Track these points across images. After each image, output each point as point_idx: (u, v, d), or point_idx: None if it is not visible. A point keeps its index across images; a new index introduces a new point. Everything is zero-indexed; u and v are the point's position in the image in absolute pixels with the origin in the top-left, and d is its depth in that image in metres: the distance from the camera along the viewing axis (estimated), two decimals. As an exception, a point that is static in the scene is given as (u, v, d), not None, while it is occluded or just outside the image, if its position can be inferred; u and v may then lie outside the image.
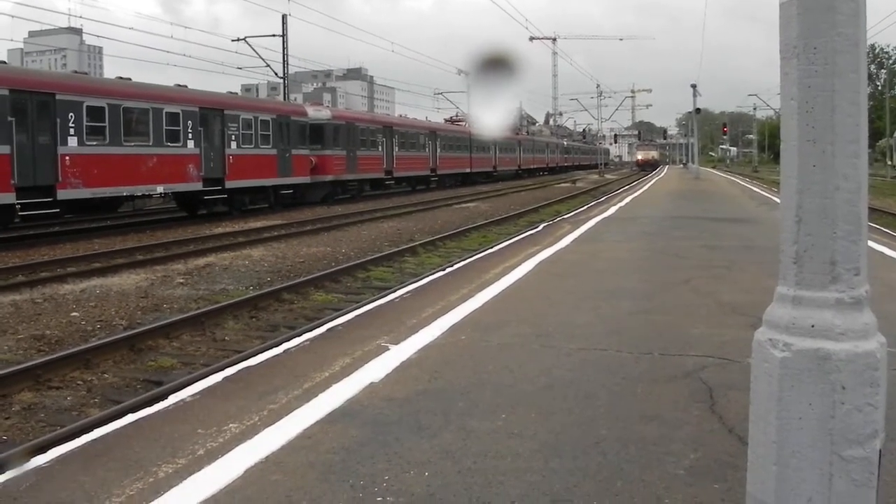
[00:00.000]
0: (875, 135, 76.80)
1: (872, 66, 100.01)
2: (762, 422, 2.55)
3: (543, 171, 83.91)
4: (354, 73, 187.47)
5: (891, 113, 73.80)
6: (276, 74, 46.72)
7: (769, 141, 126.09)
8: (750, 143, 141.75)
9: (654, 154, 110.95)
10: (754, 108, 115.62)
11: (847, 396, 2.40)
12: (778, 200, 2.86)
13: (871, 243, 12.27)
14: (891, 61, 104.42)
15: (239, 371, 5.98)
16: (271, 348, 6.96)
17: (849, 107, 2.43)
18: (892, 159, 65.83)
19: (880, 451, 2.45)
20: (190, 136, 26.49)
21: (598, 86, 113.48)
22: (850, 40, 2.42)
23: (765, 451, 2.53)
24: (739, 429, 4.33)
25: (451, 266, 12.49)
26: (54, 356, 8.62)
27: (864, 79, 2.46)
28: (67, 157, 21.35)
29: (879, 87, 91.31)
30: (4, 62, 23.89)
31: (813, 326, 2.44)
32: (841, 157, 2.44)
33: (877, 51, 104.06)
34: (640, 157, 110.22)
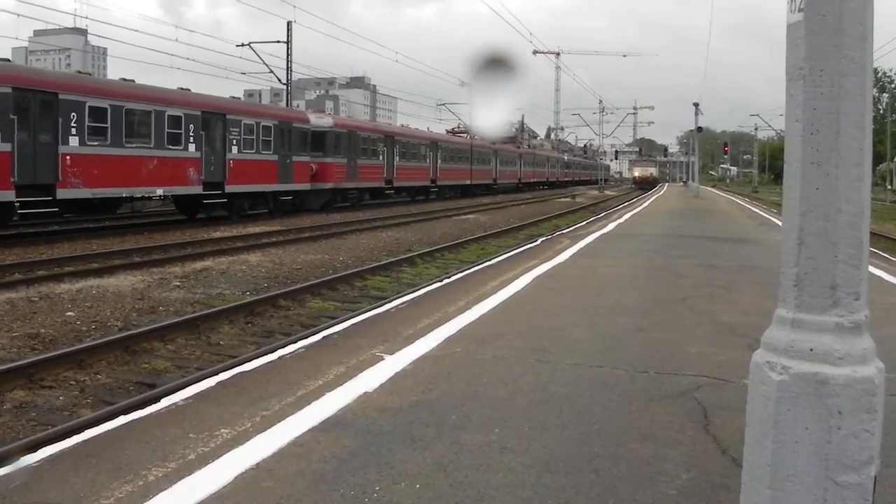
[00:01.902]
0: (876, 159, 76.96)
1: (875, 90, 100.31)
2: (757, 444, 2.53)
3: (543, 186, 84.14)
4: (357, 82, 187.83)
5: (892, 137, 73.96)
6: (279, 81, 46.81)
7: (769, 162, 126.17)
8: (750, 163, 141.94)
9: (652, 171, 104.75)
10: (756, 129, 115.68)
11: (844, 422, 2.39)
12: (778, 222, 2.85)
13: (871, 268, 12.27)
14: (893, 85, 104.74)
15: (233, 376, 5.96)
16: (266, 354, 6.94)
17: (854, 130, 2.42)
18: (892, 184, 65.95)
19: (875, 477, 2.44)
20: (191, 139, 26.53)
21: (600, 101, 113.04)
22: (856, 63, 2.42)
23: (759, 473, 2.52)
24: (733, 450, 4.31)
25: (449, 278, 12.48)
26: (48, 355, 8.60)
27: (869, 102, 2.46)
28: (68, 157, 21.37)
29: (881, 111, 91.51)
30: (8, 60, 23.90)
31: (811, 350, 2.43)
32: (844, 180, 2.43)
33: (879, 74, 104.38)
34: (637, 174, 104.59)
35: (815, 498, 2.42)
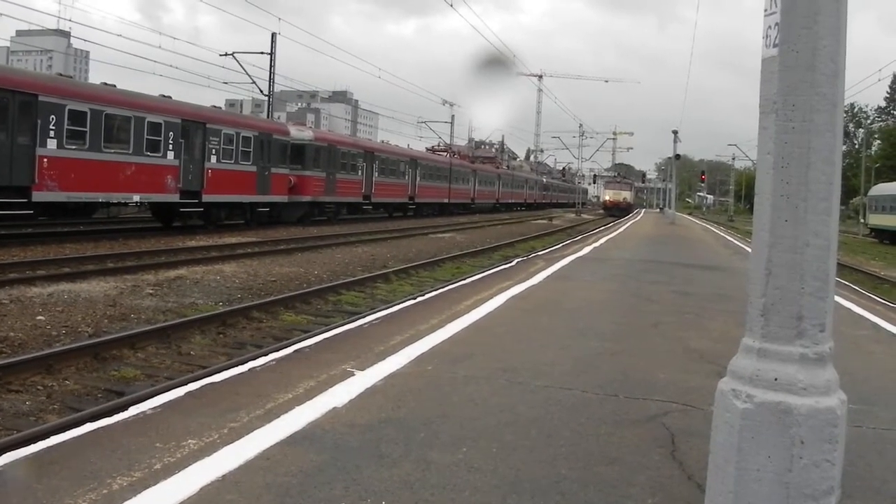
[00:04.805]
0: (850, 192, 77.85)
1: (850, 125, 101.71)
2: (720, 471, 2.56)
3: (521, 207, 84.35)
4: (340, 96, 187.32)
5: (866, 172, 74.90)
6: (261, 91, 46.77)
7: (746, 191, 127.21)
8: (727, 191, 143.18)
9: (626, 195, 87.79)
10: (733, 158, 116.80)
11: (806, 451, 2.42)
12: (751, 251, 2.89)
13: (840, 300, 12.39)
14: (868, 121, 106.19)
15: (202, 387, 5.93)
16: (236, 366, 6.91)
17: (823, 165, 2.47)
18: (864, 217, 66.70)
19: (835, 507, 2.47)
20: (170, 147, 26.43)
21: (580, 125, 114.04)
22: (828, 100, 2.46)
23: (722, 500, 2.54)
24: (698, 476, 4.33)
25: (423, 295, 12.48)
26: (16, 359, 8.51)
27: (839, 138, 2.51)
28: (46, 160, 21.23)
29: (857, 146, 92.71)
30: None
31: (776, 380, 2.46)
32: (813, 213, 2.47)
33: (855, 110, 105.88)
34: (608, 197, 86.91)
35: (775, 526, 2.44)
